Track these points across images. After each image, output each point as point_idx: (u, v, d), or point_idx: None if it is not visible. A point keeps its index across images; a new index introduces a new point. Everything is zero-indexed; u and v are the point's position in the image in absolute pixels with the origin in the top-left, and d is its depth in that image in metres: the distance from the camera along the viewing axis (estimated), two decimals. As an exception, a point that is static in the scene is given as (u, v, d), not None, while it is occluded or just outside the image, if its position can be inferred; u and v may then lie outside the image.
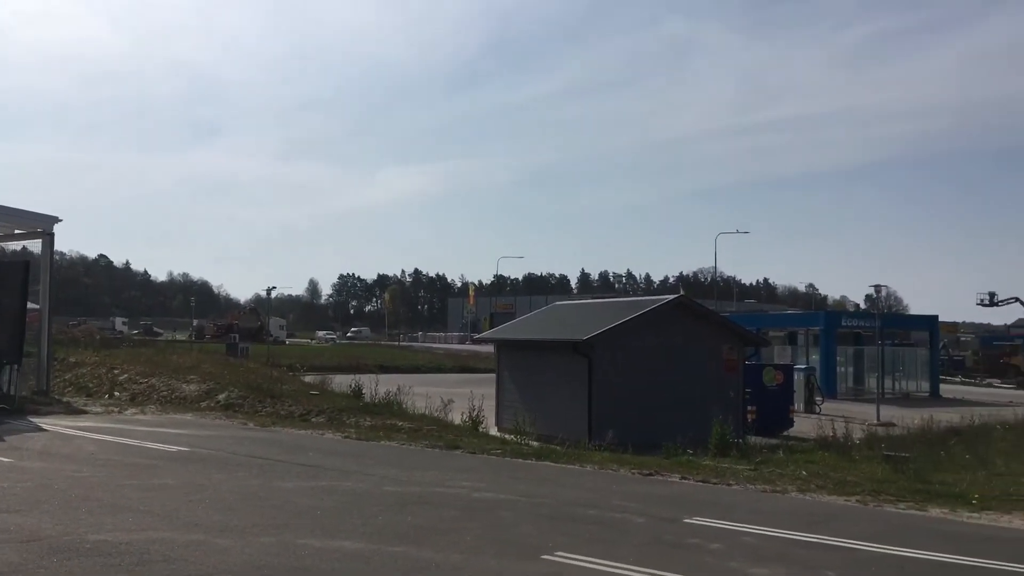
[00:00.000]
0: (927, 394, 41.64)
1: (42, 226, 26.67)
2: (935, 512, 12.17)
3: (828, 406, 30.66)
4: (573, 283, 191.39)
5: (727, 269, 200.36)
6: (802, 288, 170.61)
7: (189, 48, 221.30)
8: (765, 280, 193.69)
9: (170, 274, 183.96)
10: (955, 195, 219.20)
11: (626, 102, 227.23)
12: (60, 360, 30.28)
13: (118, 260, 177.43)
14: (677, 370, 21.49)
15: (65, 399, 25.08)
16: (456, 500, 11.68)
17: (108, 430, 18.43)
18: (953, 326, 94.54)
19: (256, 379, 27.02)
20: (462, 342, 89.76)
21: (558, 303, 30.25)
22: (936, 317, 48.47)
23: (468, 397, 22.27)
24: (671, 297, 23.62)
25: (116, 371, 28.98)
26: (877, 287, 36.33)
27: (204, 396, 24.72)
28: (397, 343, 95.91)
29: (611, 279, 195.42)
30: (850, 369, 40.51)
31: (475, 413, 21.04)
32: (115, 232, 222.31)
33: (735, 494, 13.32)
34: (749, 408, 23.35)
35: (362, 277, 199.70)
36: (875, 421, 26.04)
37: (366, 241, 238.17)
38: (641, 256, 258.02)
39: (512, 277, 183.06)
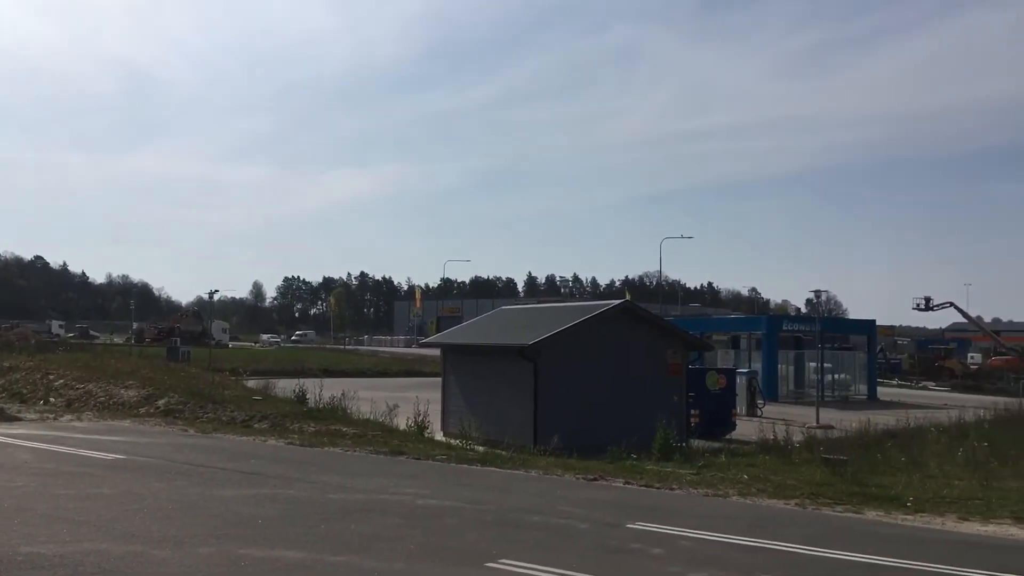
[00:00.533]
0: (865, 397, 42.55)
1: (-26, 227, 25.94)
2: (871, 515, 12.45)
3: (769, 409, 31.16)
4: (520, 287, 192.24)
5: (672, 273, 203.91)
6: (745, 292, 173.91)
7: (128, 47, 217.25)
8: (709, 284, 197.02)
9: (109, 276, 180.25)
10: (893, 203, 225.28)
11: (572, 107, 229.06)
12: (-8, 365, 29.48)
13: (55, 261, 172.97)
14: (622, 374, 21.65)
15: (-3, 406, 24.38)
16: (400, 507, 11.62)
17: (43, 437, 17.98)
18: (890, 330, 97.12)
19: (197, 384, 26.56)
20: (408, 346, 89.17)
21: (504, 307, 30.26)
22: (874, 321, 49.95)
23: (414, 402, 22.16)
24: (617, 302, 23.81)
25: (51, 376, 28.29)
26: (817, 292, 37.21)
27: (143, 402, 24.20)
28: (343, 346, 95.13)
29: (558, 283, 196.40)
30: (791, 371, 41.26)
31: (420, 418, 20.94)
32: (52, 233, 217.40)
33: (678, 499, 13.49)
34: (692, 412, 23.61)
35: (307, 280, 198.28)
36: (814, 424, 26.53)
37: (311, 244, 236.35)
38: (588, 260, 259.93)
39: (459, 280, 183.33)
